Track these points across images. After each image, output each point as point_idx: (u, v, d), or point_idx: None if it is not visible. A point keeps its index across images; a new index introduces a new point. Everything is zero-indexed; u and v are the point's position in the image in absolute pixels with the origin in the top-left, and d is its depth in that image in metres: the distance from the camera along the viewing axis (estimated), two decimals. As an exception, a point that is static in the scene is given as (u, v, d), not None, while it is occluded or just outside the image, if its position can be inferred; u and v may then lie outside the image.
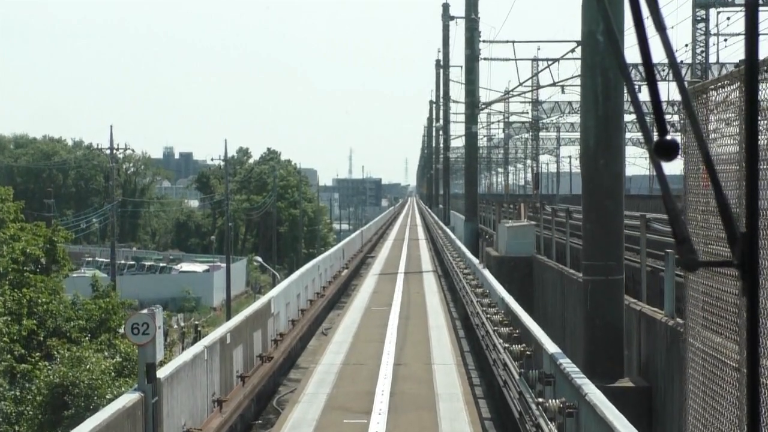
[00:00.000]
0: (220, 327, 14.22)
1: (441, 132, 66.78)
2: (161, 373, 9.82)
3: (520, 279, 27.55)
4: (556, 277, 23.03)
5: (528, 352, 12.03)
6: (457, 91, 63.95)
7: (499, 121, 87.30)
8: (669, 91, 54.24)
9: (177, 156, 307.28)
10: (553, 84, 45.25)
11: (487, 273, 21.52)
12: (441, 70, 65.06)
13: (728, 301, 5.51)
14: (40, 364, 22.72)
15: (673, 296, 12.85)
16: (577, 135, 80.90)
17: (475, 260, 25.79)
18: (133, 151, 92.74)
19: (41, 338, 25.89)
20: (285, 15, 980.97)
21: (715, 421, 5.75)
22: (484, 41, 40.46)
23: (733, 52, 57.84)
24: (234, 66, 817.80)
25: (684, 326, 7.17)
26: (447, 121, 60.79)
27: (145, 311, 9.62)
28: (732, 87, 5.97)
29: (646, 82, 2.07)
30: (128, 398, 9.03)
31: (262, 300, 17.52)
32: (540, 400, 9.62)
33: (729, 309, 5.48)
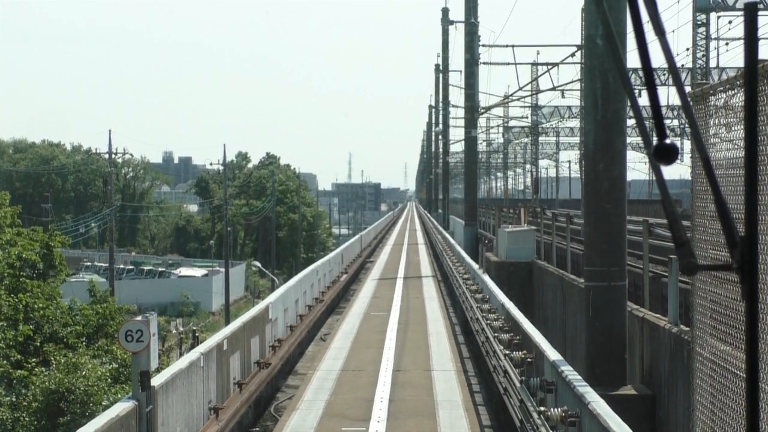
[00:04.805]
0: (217, 333, 14.08)
1: (440, 136, 66.70)
2: (156, 380, 9.66)
3: (519, 284, 27.42)
4: (556, 283, 22.89)
5: (529, 359, 11.90)
6: (457, 96, 63.95)
7: (498, 126, 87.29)
8: (669, 95, 54.24)
9: (176, 160, 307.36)
10: (553, 88, 45.16)
11: (486, 278, 21.38)
12: (440, 75, 65.03)
13: (737, 309, 5.37)
14: (36, 370, 22.56)
15: (677, 303, 12.71)
16: (576, 139, 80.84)
17: (475, 265, 25.65)
18: (132, 155, 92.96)
19: (38, 344, 25.72)
20: (284, 19, 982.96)
21: (724, 433, 5.60)
22: (483, 45, 40.39)
23: (733, 56, 57.82)
24: (233, 70, 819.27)
25: (691, 335, 7.02)
26: (446, 125, 60.71)
27: (139, 318, 9.46)
28: (732, 92, 5.89)
29: (645, 87, 2.06)
30: (122, 407, 8.87)
31: (259, 306, 17.37)
32: (542, 408, 9.48)
33: (738, 317, 5.34)
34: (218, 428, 11.74)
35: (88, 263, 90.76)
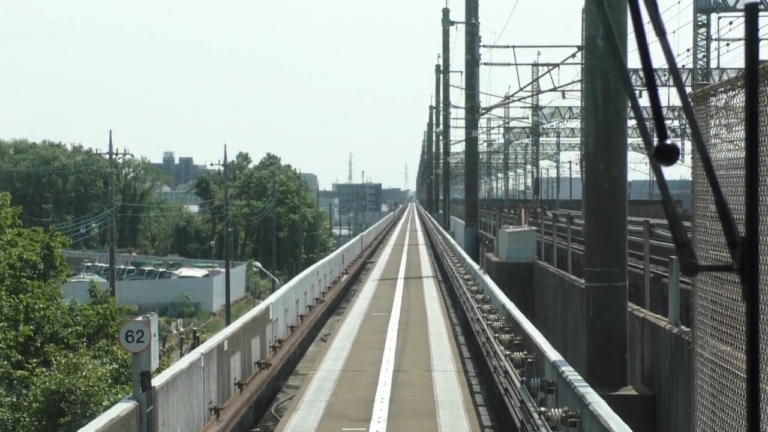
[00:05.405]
0: (218, 334, 14.08)
1: (441, 137, 66.69)
2: (156, 381, 9.66)
3: (520, 284, 27.42)
4: (557, 283, 22.89)
5: (529, 360, 11.89)
6: (458, 96, 63.89)
7: (499, 126, 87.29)
8: (669, 96, 54.22)
9: (177, 161, 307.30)
10: (554, 89, 45.17)
11: (487, 278, 21.37)
12: (441, 75, 65.00)
13: (738, 310, 5.37)
14: (37, 370, 22.56)
15: (678, 303, 12.71)
16: (577, 140, 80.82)
17: (476, 266, 25.64)
18: (132, 156, 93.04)
19: (38, 344, 25.72)
20: (284, 19, 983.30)
21: (725, 433, 5.60)
22: (484, 46, 40.33)
23: (734, 57, 57.81)
24: (233, 70, 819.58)
25: (691, 335, 7.03)
26: (447, 126, 60.69)
27: (139, 318, 9.46)
28: (733, 92, 5.90)
29: (646, 87, 2.05)
30: (122, 407, 8.87)
31: (260, 306, 17.38)
32: (542, 408, 9.48)
33: (739, 318, 5.34)
34: (219, 428, 11.75)
35: (89, 264, 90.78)
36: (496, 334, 14.51)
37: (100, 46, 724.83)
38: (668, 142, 1.97)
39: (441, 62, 62.86)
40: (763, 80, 5.23)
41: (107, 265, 68.53)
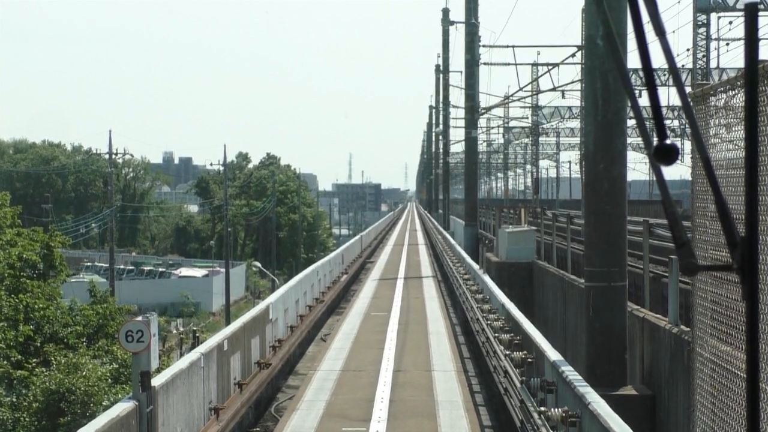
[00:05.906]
0: (217, 334, 14.09)
1: (441, 137, 66.69)
2: (156, 381, 9.67)
3: (520, 284, 27.43)
4: (556, 283, 22.90)
5: (529, 360, 11.90)
6: (457, 96, 63.87)
7: (499, 126, 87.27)
8: (669, 95, 54.23)
9: (176, 161, 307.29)
10: (553, 89, 45.17)
11: (487, 278, 21.38)
12: (441, 75, 64.99)
13: (738, 310, 5.38)
14: (36, 370, 22.57)
15: (677, 303, 12.72)
16: (577, 140, 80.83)
17: (475, 265, 25.65)
18: (132, 155, 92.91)
19: (38, 344, 25.74)
20: (284, 19, 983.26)
21: (724, 433, 5.60)
22: (484, 46, 40.34)
23: (734, 57, 57.81)
24: (233, 70, 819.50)
25: (691, 335, 7.03)
26: (447, 126, 60.69)
27: (139, 318, 9.47)
28: (732, 92, 5.90)
29: (645, 87, 2.05)
30: (122, 407, 8.87)
31: (260, 306, 17.38)
32: (542, 408, 9.48)
33: (739, 318, 5.35)
34: (219, 428, 11.75)
35: (89, 263, 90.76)
36: (496, 334, 14.51)
37: (100, 46, 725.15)
38: (668, 141, 1.97)
39: (441, 62, 62.85)
40: (763, 80, 5.24)
41: (107, 265, 68.50)
